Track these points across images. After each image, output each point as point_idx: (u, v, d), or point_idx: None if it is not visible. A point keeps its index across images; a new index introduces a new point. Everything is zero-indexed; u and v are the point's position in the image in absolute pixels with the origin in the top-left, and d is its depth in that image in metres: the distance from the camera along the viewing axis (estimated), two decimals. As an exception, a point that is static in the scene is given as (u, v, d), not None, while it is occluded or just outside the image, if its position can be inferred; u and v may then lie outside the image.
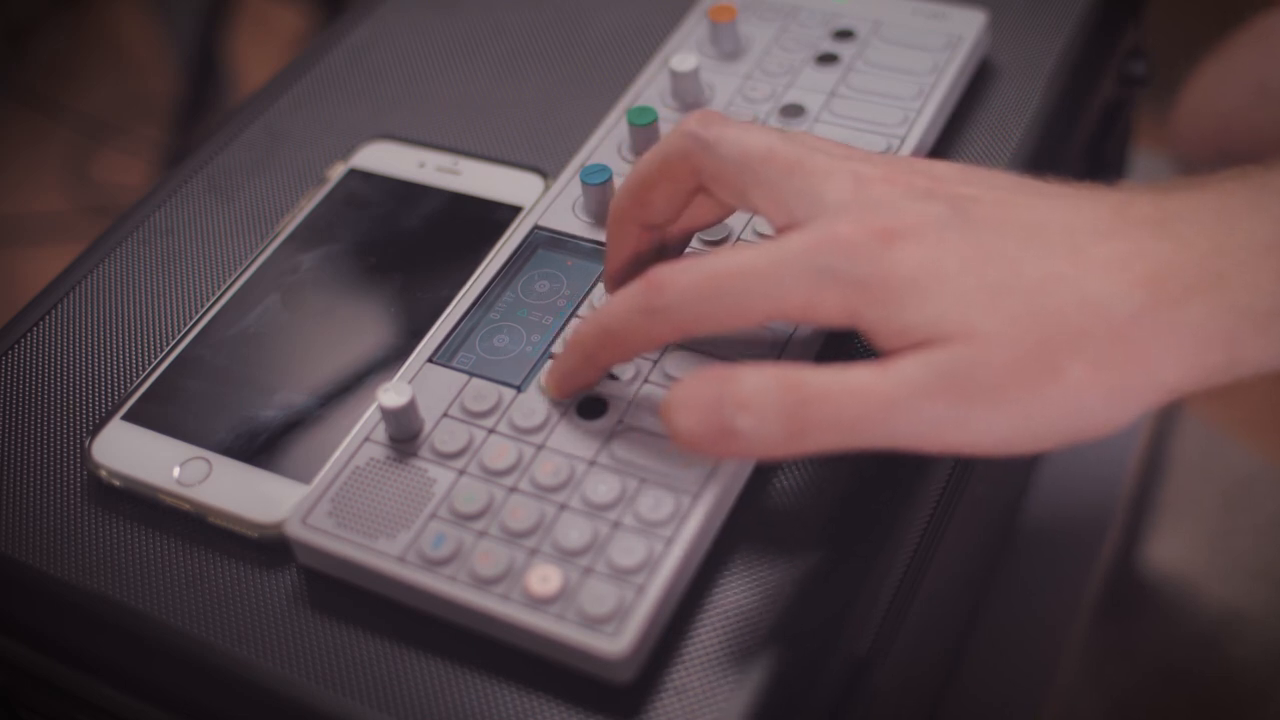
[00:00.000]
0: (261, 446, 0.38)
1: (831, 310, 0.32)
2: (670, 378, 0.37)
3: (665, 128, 0.45)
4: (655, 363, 0.37)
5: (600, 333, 0.35)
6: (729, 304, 0.33)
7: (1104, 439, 0.32)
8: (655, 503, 0.34)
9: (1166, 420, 0.88)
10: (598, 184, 0.42)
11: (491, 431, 0.36)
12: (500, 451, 0.36)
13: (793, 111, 0.45)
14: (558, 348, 0.38)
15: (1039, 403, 0.31)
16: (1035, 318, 0.31)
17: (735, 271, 0.33)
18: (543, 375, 0.38)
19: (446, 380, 0.38)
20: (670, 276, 0.33)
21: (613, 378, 0.37)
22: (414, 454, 0.36)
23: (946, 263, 0.32)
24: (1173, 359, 0.31)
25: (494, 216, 0.45)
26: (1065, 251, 0.32)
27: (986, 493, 0.49)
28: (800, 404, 0.31)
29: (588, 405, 0.37)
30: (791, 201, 0.34)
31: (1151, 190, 0.34)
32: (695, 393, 0.32)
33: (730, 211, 0.39)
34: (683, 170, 0.36)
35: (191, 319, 0.43)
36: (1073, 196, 0.34)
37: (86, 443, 0.39)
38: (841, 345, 0.39)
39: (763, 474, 0.36)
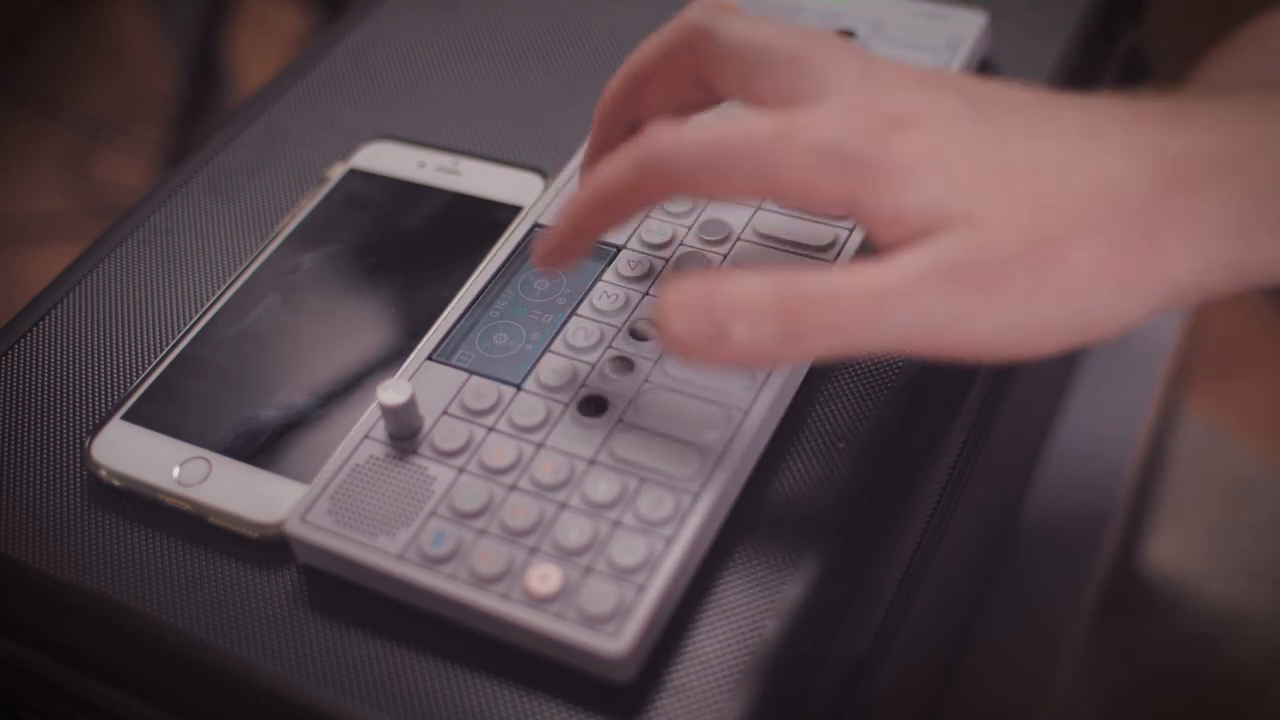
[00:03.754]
0: (261, 446, 0.38)
1: (828, 192, 0.31)
2: (671, 377, 0.37)
3: (665, 127, 0.45)
4: (656, 362, 0.37)
5: (592, 195, 0.34)
6: (726, 169, 0.32)
7: (1109, 338, 0.30)
8: (655, 502, 0.34)
9: (1167, 419, 0.88)
10: (598, 184, 0.42)
11: (491, 430, 0.37)
12: (500, 450, 0.36)
13: (792, 111, 0.45)
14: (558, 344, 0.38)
15: (1042, 291, 0.29)
16: (1041, 200, 0.30)
17: (736, 138, 0.31)
18: (531, 252, 0.36)
19: (446, 378, 0.38)
20: (670, 132, 0.32)
21: (615, 378, 0.37)
22: (414, 452, 0.36)
23: (951, 147, 0.31)
24: (1184, 250, 0.30)
25: (494, 216, 0.45)
26: (1078, 137, 0.31)
27: (986, 493, 0.49)
28: (796, 303, 0.30)
29: (588, 404, 0.37)
30: (798, 85, 0.33)
31: (1167, 95, 0.33)
32: (687, 297, 0.31)
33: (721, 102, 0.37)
34: (684, 61, 0.35)
35: (191, 319, 0.43)
36: (1088, 97, 0.33)
37: (86, 443, 0.39)
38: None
39: (763, 473, 0.36)
